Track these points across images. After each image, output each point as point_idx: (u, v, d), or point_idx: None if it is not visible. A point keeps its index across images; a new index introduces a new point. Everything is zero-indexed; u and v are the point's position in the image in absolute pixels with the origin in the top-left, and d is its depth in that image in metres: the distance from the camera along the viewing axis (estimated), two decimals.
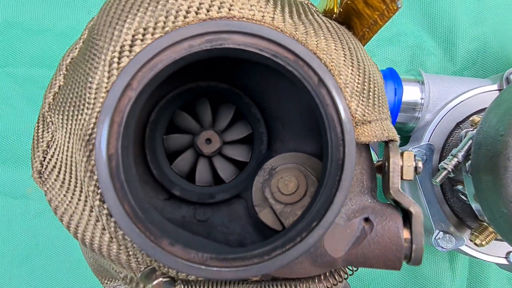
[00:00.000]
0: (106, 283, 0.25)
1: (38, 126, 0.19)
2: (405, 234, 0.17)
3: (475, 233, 0.32)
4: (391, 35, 0.44)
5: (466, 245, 0.34)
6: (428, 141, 0.35)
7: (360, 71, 0.18)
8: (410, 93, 0.37)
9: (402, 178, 0.18)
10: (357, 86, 0.17)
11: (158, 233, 0.15)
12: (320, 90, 0.16)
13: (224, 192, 0.23)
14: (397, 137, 0.19)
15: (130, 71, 0.14)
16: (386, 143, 0.19)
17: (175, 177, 0.23)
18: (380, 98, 0.18)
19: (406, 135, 0.40)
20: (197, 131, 0.24)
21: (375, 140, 0.17)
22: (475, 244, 0.32)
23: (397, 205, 0.18)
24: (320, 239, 0.16)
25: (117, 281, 0.24)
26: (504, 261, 0.34)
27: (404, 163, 0.18)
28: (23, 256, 0.44)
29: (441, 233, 0.34)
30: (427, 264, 0.43)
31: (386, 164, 0.18)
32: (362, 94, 0.17)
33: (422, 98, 0.36)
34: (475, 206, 0.30)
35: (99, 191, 0.16)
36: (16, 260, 0.44)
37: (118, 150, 0.14)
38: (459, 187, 0.33)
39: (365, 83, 0.18)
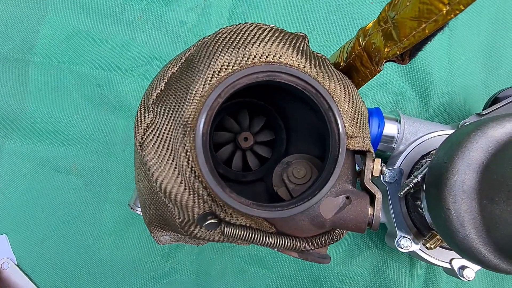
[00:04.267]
0: (156, 233, 0.34)
1: (140, 112, 0.29)
2: (370, 210, 0.27)
3: (427, 239, 0.42)
4: (381, 83, 0.56)
5: (420, 249, 0.45)
6: (400, 166, 0.46)
7: (353, 105, 0.28)
8: (390, 128, 0.48)
9: (372, 175, 0.28)
10: (350, 114, 0.28)
11: (224, 184, 0.24)
12: (328, 113, 0.26)
13: (251, 175, 0.33)
14: (372, 149, 0.29)
15: (221, 87, 0.25)
16: (364, 153, 0.29)
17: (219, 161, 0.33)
18: (364, 123, 0.29)
19: (384, 161, 0.50)
20: (237, 131, 0.34)
21: (358, 149, 0.28)
22: (426, 247, 0.42)
23: (367, 192, 0.28)
24: (318, 203, 0.26)
25: (166, 232, 0.33)
26: (448, 266, 0.44)
27: (374, 165, 0.28)
28: (58, 222, 0.52)
29: (402, 237, 0.44)
30: (391, 269, 0.52)
31: (363, 166, 0.29)
32: (353, 119, 0.28)
33: (398, 133, 0.47)
34: (427, 216, 0.41)
35: (187, 155, 0.26)
36: (51, 224, 0.52)
37: (207, 130, 0.24)
38: (418, 202, 0.43)
39: (356, 113, 0.28)
